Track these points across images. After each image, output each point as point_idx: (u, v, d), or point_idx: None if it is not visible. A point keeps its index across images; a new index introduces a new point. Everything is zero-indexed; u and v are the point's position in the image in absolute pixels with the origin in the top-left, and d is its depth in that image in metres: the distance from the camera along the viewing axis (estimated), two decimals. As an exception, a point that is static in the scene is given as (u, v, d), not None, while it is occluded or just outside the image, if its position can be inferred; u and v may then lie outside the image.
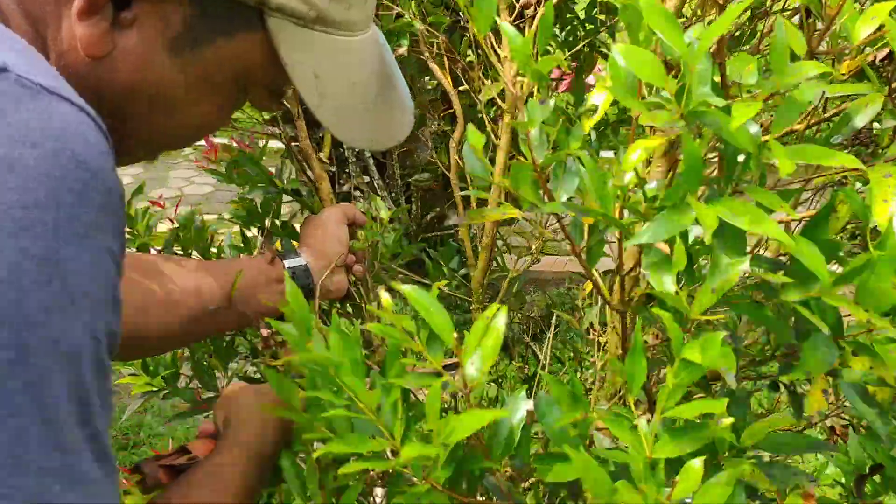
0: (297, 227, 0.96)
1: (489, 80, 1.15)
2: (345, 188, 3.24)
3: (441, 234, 3.44)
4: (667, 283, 0.49)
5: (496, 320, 0.48)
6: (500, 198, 0.94)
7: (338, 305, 0.96)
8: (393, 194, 3.33)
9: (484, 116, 1.05)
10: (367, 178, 3.44)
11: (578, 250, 0.57)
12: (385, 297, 0.51)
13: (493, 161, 1.13)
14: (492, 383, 1.38)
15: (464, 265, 1.21)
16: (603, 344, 1.05)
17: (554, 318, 1.20)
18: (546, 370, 1.17)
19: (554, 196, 0.55)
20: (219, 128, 0.63)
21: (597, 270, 0.61)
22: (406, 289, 0.50)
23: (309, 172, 1.00)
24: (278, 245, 0.87)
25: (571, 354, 1.26)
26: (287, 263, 0.85)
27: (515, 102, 0.96)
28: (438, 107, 2.15)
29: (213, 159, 1.20)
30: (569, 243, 0.58)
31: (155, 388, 0.93)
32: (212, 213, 4.66)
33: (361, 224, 0.95)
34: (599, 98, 0.56)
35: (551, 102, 0.54)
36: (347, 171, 3.20)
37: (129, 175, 5.36)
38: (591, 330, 1.23)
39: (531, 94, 1.62)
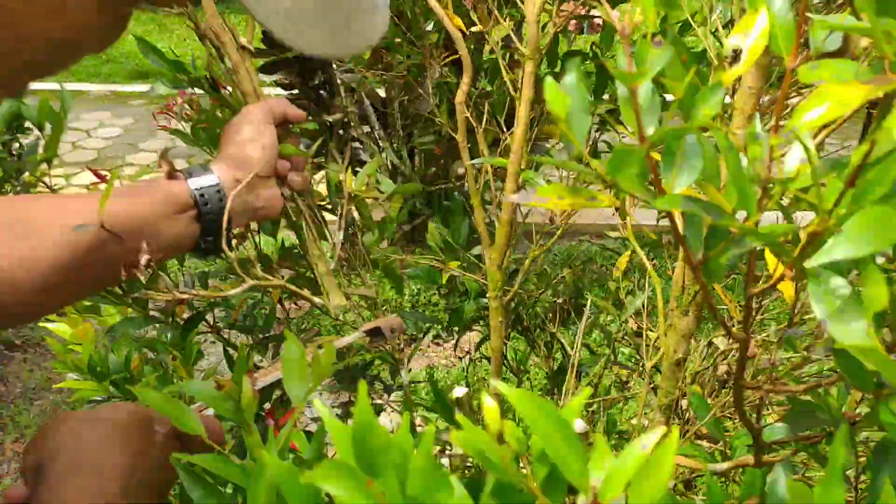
0: None
1: (505, 18, 0.95)
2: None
3: (445, 187, 3.25)
4: (857, 334, 0.32)
5: (666, 455, 0.29)
6: (522, 165, 0.76)
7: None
8: (395, 145, 3.13)
9: (501, 64, 0.85)
10: (366, 129, 3.23)
11: (696, 262, 0.40)
12: (489, 403, 0.32)
13: (510, 119, 0.94)
14: (511, 374, 1.21)
15: (475, 239, 1.02)
16: (654, 340, 0.88)
17: (588, 303, 1.02)
18: (575, 368, 1.00)
19: (665, 185, 0.37)
20: (97, 46, 0.45)
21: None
22: (508, 391, 0.32)
23: (227, 61, 0.80)
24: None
25: (604, 341, 1.09)
26: (192, 184, 0.65)
27: (537, 46, 0.77)
28: (441, 53, 1.94)
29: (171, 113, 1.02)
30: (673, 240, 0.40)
31: (100, 397, 0.75)
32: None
33: (296, 120, 0.73)
34: (743, 41, 0.37)
35: (670, 45, 0.35)
36: (347, 120, 2.99)
37: (118, 127, 5.11)
38: (633, 319, 1.06)
39: (557, 37, 1.41)
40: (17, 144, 2.60)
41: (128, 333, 0.78)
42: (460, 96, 0.83)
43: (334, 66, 3.15)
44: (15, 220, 0.55)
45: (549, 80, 0.35)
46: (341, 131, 3.10)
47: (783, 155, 0.38)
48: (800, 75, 0.35)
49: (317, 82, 3.45)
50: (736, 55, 0.37)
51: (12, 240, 0.54)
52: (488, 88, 1.12)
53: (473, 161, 0.66)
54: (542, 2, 0.76)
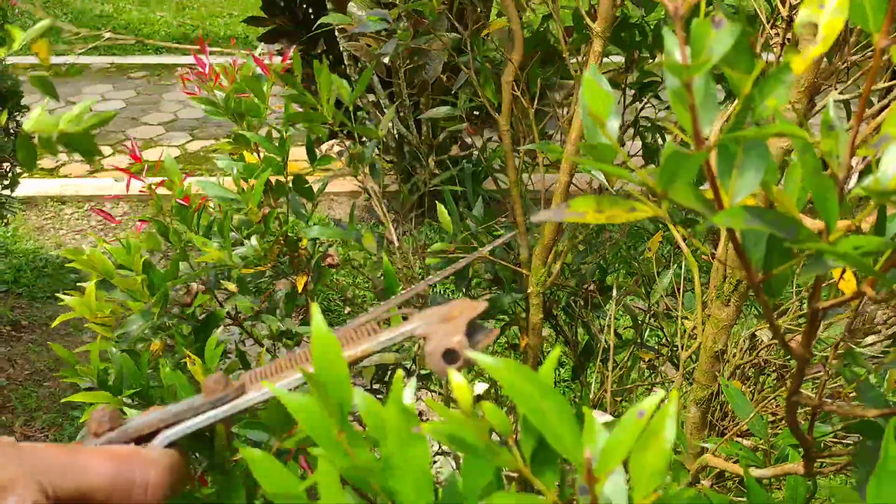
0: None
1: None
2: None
3: (456, 156, 3.18)
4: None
5: (665, 422, 0.26)
6: (576, 153, 0.70)
7: None
8: (401, 114, 3.05)
9: (562, 43, 0.77)
10: (371, 97, 3.15)
11: (757, 280, 0.34)
12: (457, 379, 0.29)
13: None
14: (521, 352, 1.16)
15: (504, 220, 0.96)
16: (689, 330, 0.83)
17: (613, 286, 0.97)
18: (599, 355, 0.96)
19: (724, 194, 0.32)
20: None
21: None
22: (487, 362, 0.28)
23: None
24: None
25: (630, 324, 1.04)
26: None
27: (610, 22, 0.69)
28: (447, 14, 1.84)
29: (203, 82, 0.92)
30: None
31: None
32: (207, 140, 4.37)
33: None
34: (818, 14, 0.31)
35: (733, 25, 0.29)
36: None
37: (120, 100, 5.03)
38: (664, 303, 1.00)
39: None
40: (13, 124, 2.54)
41: (140, 335, 0.73)
42: (508, 75, 0.75)
43: (337, 33, 3.05)
44: None
45: (587, 77, 0.29)
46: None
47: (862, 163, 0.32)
48: (894, 56, 0.29)
49: (319, 51, 3.36)
50: (815, 28, 0.31)
51: None
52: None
53: (522, 147, 0.59)
54: None
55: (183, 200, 0.78)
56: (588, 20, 0.77)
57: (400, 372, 0.27)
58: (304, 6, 3.31)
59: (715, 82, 0.32)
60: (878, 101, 0.59)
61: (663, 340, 1.00)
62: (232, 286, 0.86)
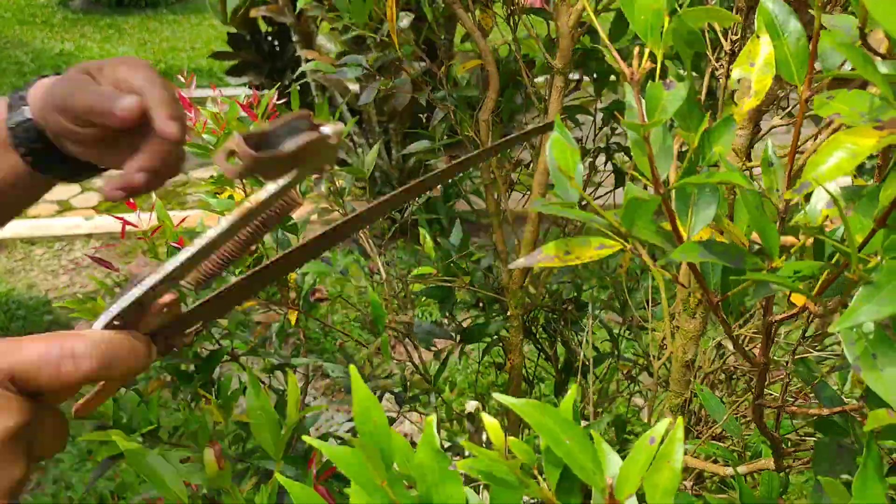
0: None
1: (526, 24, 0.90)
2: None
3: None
4: (891, 384, 0.31)
5: (674, 446, 0.30)
6: (547, 178, 0.75)
7: None
8: (370, 141, 3.10)
9: (523, 72, 0.82)
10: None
11: (715, 301, 0.39)
12: (490, 420, 0.32)
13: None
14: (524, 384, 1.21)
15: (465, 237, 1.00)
16: (661, 340, 0.88)
17: (590, 303, 1.02)
18: (580, 369, 1.00)
19: (683, 229, 0.36)
20: None
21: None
22: (514, 403, 0.32)
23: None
24: None
25: (607, 337, 1.09)
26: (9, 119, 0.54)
27: (570, 59, 0.75)
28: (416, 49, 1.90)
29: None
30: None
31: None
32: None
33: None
34: (749, 71, 0.36)
35: (682, 86, 0.34)
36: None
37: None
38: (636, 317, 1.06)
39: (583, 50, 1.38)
40: None
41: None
42: (485, 113, 0.80)
43: (304, 64, 3.10)
44: None
45: (555, 136, 0.33)
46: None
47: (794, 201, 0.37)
48: (815, 107, 0.34)
49: (287, 83, 3.40)
50: (748, 85, 0.36)
51: None
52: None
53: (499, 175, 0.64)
54: (577, 15, 0.74)
55: (177, 243, 0.81)
56: (548, 57, 0.82)
57: (432, 417, 0.31)
58: (270, 39, 3.35)
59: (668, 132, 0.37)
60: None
61: (639, 352, 1.06)
62: (224, 322, 0.89)
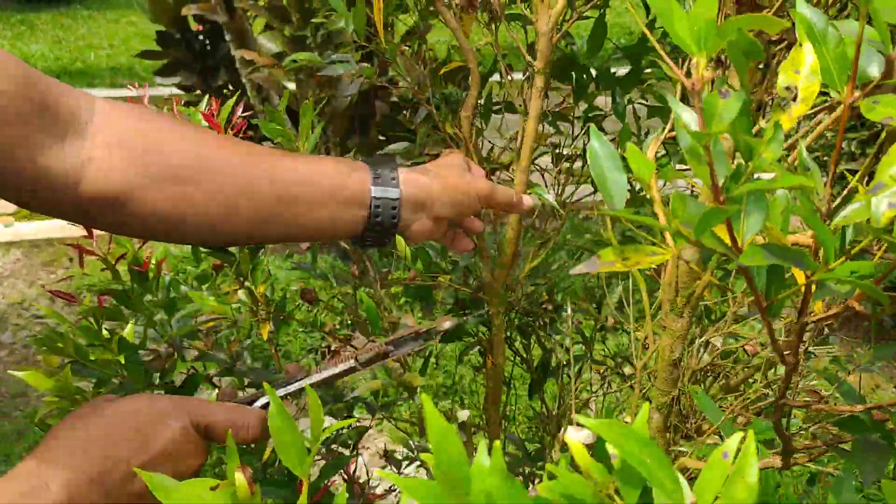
0: None
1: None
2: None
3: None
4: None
5: (749, 460, 0.30)
6: (528, 177, 0.74)
7: None
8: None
9: (503, 71, 0.82)
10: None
11: (763, 305, 0.39)
12: (574, 436, 0.32)
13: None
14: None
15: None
16: (643, 340, 0.89)
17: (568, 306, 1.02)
18: (557, 372, 1.01)
19: (738, 235, 0.37)
20: None
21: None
22: (593, 423, 0.31)
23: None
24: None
25: (580, 339, 1.09)
26: (373, 191, 0.63)
27: (549, 60, 0.74)
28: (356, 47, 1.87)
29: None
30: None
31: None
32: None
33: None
34: (795, 79, 0.36)
35: (737, 95, 0.34)
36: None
37: None
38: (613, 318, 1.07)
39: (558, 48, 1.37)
40: None
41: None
42: (467, 110, 0.79)
43: (238, 65, 3.02)
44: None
45: (631, 147, 0.33)
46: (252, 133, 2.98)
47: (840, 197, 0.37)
48: (863, 111, 0.35)
49: (220, 83, 3.30)
50: (794, 93, 0.36)
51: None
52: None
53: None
54: (558, 15, 0.74)
55: (141, 266, 0.76)
56: (528, 57, 0.82)
57: (497, 443, 0.30)
58: (201, 38, 3.25)
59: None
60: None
61: (613, 352, 1.07)
62: (199, 344, 0.86)
